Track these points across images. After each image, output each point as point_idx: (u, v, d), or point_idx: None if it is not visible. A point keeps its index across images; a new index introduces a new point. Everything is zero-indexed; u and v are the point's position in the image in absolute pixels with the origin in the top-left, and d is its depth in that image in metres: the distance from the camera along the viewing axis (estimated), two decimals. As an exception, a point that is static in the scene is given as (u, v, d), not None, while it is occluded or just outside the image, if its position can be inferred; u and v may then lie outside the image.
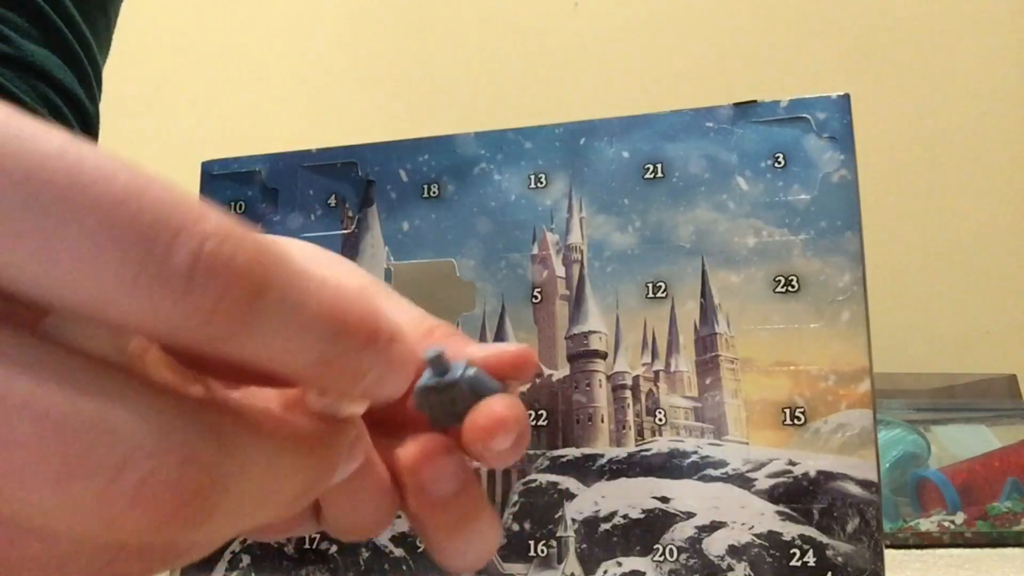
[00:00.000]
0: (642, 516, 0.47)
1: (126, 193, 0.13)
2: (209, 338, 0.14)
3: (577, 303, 0.51)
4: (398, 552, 0.50)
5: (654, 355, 0.50)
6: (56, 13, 0.49)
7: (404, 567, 0.50)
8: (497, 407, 0.23)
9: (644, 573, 0.46)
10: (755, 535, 0.45)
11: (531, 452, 0.50)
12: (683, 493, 0.47)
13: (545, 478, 0.49)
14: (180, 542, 0.15)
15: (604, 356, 0.50)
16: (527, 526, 0.49)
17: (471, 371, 0.23)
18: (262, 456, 0.15)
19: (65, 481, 0.13)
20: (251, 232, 0.15)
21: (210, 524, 0.15)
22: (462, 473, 0.23)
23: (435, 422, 0.24)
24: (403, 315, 0.27)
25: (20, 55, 0.47)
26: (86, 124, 0.51)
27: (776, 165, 0.49)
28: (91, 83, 0.52)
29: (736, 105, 0.50)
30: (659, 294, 0.50)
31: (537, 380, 0.51)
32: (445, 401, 0.23)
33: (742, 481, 0.46)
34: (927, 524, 0.83)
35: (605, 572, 0.47)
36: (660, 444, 0.48)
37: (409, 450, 0.23)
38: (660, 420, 0.49)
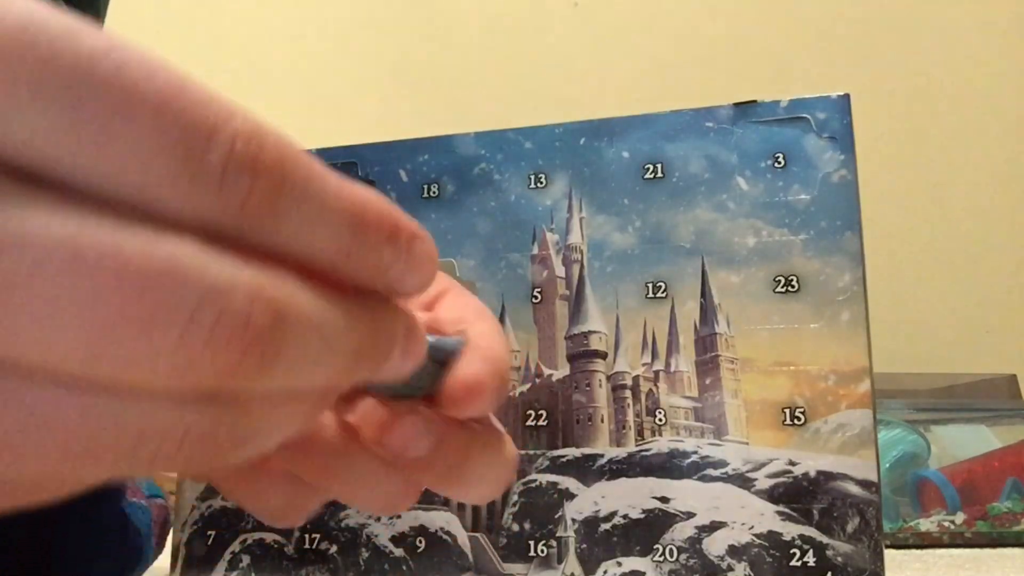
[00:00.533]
0: (642, 516, 0.47)
1: (168, 91, 0.14)
2: (242, 229, 0.15)
3: (577, 303, 0.51)
4: (398, 552, 0.50)
5: (654, 355, 0.50)
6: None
7: (404, 567, 0.50)
8: (468, 371, 0.22)
9: (644, 573, 0.46)
10: (755, 535, 0.45)
11: (531, 452, 0.50)
12: (683, 493, 0.47)
13: (545, 478, 0.49)
14: (247, 399, 0.16)
15: (604, 356, 0.50)
16: (527, 526, 0.49)
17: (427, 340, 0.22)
18: (320, 304, 0.16)
19: (148, 330, 0.14)
20: (276, 131, 0.16)
21: (275, 371, 0.15)
22: (433, 428, 0.22)
23: (396, 399, 0.22)
24: None
25: None
26: None
27: (776, 165, 0.49)
28: None
29: (736, 105, 0.50)
30: (659, 294, 0.50)
31: (537, 380, 0.51)
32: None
33: (742, 481, 0.46)
34: (927, 524, 0.83)
35: (605, 572, 0.47)
36: (660, 444, 0.48)
37: (369, 421, 0.22)
38: (660, 420, 0.49)
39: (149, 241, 0.14)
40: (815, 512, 0.45)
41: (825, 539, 0.44)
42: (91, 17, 0.57)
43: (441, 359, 0.22)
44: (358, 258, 0.17)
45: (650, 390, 0.49)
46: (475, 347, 0.23)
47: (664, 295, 0.50)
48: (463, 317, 0.25)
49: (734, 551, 0.45)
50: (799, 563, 0.44)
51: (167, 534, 0.55)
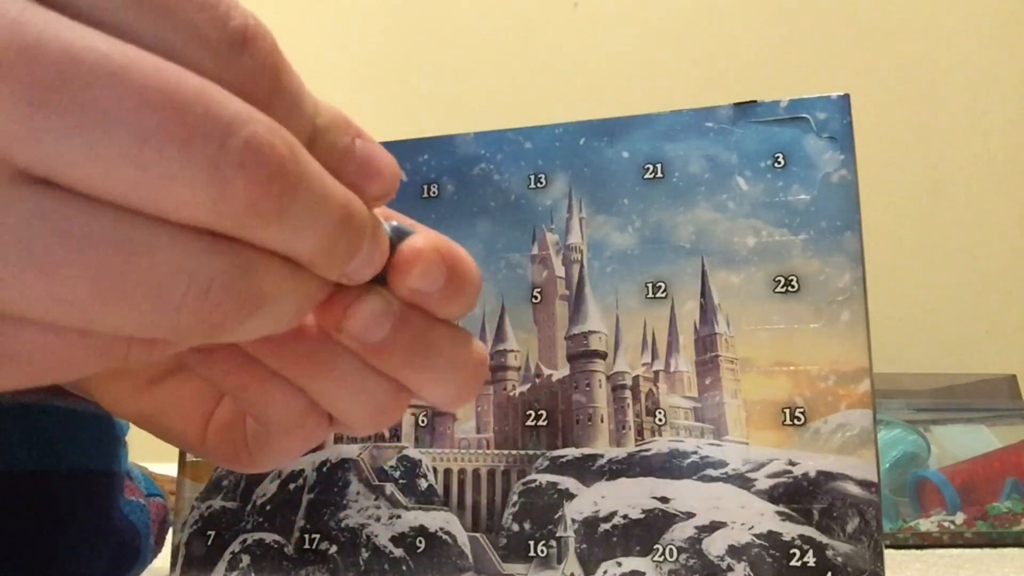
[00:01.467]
0: (642, 516, 0.47)
1: (191, 94, 0.15)
2: (243, 225, 0.16)
3: (577, 303, 0.51)
4: (398, 552, 0.50)
5: (654, 355, 0.50)
6: None
7: (404, 567, 0.50)
8: (415, 242, 0.22)
9: (644, 573, 0.46)
10: (755, 535, 0.45)
11: (531, 452, 0.50)
12: (683, 493, 0.47)
13: (545, 478, 0.49)
14: (265, 261, 0.17)
15: (604, 356, 0.50)
16: (527, 526, 0.49)
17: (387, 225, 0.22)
18: (315, 166, 0.18)
19: (186, 149, 0.15)
20: (284, 131, 0.17)
21: (288, 217, 0.17)
22: (391, 309, 0.22)
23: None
24: None
25: None
26: None
27: (776, 165, 0.49)
28: None
29: (736, 105, 0.50)
30: (659, 294, 0.50)
31: (537, 380, 0.51)
32: None
33: (742, 481, 0.46)
34: (927, 524, 0.83)
35: (605, 572, 0.47)
36: (660, 444, 0.48)
37: (330, 310, 0.22)
38: (660, 420, 0.49)
39: (183, 71, 0.15)
40: (815, 512, 0.45)
41: (825, 539, 0.44)
42: None
43: (394, 243, 0.22)
44: (338, 251, 0.19)
45: (650, 390, 0.49)
46: (424, 230, 0.23)
47: (664, 295, 0.50)
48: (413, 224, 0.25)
49: (734, 551, 0.45)
50: (799, 563, 0.44)
51: (166, 533, 0.55)
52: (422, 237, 0.23)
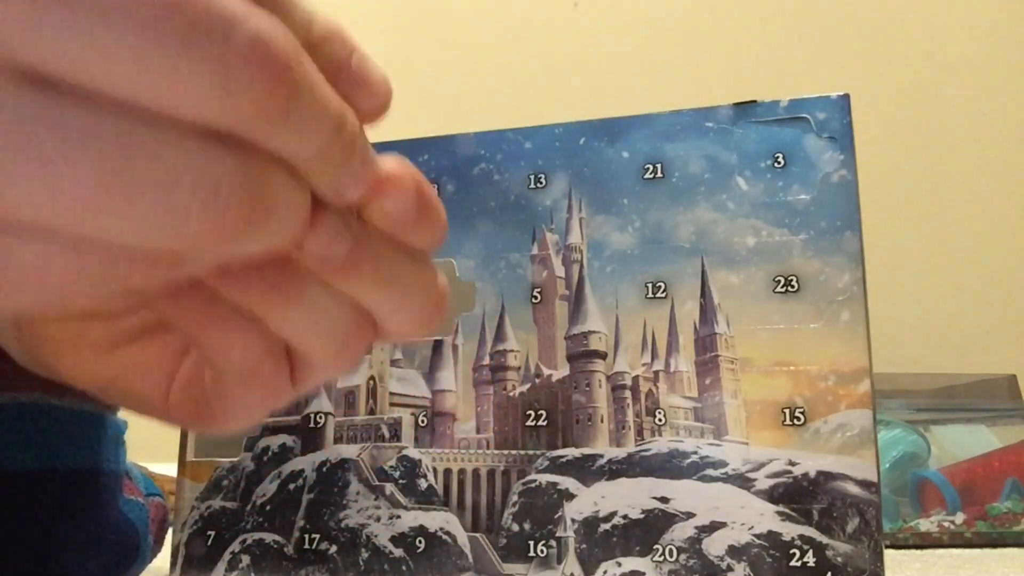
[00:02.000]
0: (642, 516, 0.47)
1: None
2: (250, 123, 0.16)
3: (577, 303, 0.51)
4: (398, 552, 0.50)
5: (654, 355, 0.50)
6: None
7: (404, 567, 0.50)
8: (390, 163, 0.22)
9: (644, 573, 0.46)
10: (755, 535, 0.45)
11: (531, 452, 0.50)
12: (683, 493, 0.47)
13: (545, 478, 0.49)
14: (272, 165, 0.17)
15: (604, 356, 0.50)
16: (527, 526, 0.49)
17: None
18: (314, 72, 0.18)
19: (189, 42, 0.15)
20: (287, 30, 0.17)
21: (291, 119, 0.16)
22: (351, 226, 0.21)
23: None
24: None
25: None
26: None
27: (776, 165, 0.49)
28: None
29: (736, 105, 0.50)
30: (659, 294, 0.50)
31: (537, 380, 0.51)
32: None
33: (742, 481, 0.46)
34: (927, 524, 0.83)
35: (605, 572, 0.47)
36: (660, 444, 0.48)
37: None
38: (660, 420, 0.49)
39: None
40: (815, 512, 0.45)
41: (825, 539, 0.44)
42: None
43: None
44: (333, 154, 0.19)
45: (650, 390, 0.49)
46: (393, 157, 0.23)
47: (664, 295, 0.50)
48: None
49: (734, 551, 0.45)
50: (799, 563, 0.44)
51: (165, 533, 0.55)
52: (396, 161, 0.22)
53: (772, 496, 0.46)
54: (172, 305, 0.23)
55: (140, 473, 0.54)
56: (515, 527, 0.49)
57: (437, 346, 0.53)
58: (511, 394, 0.51)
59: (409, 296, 0.23)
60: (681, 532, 0.46)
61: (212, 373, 0.25)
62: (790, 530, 0.45)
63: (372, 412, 0.53)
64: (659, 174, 0.51)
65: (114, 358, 0.26)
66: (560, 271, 0.52)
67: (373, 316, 0.23)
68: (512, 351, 0.52)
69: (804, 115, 0.49)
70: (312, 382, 0.24)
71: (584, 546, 0.48)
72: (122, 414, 0.50)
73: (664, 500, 0.47)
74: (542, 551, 0.48)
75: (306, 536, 0.52)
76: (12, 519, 0.43)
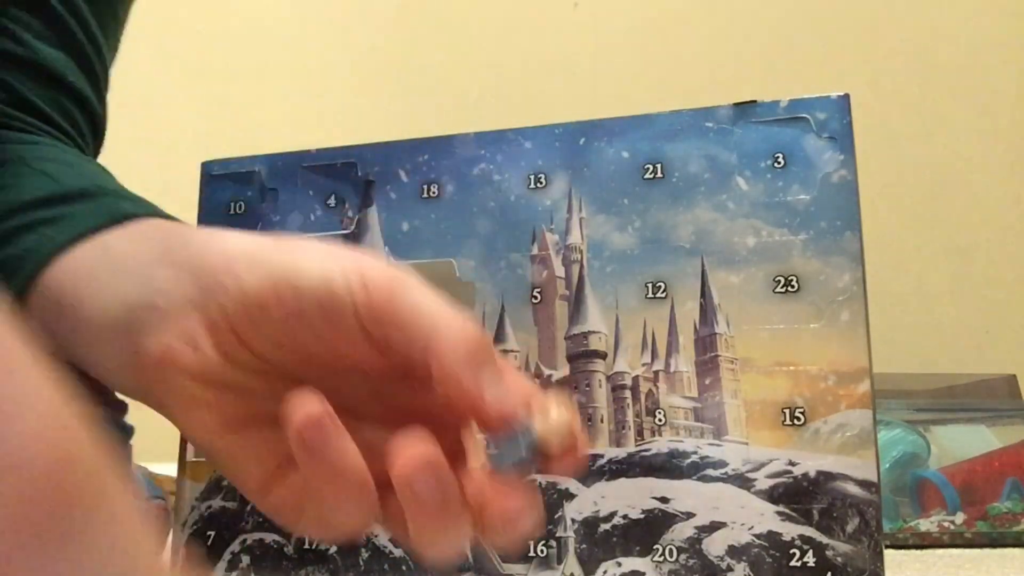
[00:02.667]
0: (642, 516, 0.47)
1: None
2: None
3: (577, 303, 0.51)
4: (398, 552, 0.50)
5: (654, 355, 0.50)
6: (70, 14, 0.50)
7: (404, 567, 0.50)
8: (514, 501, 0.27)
9: (644, 573, 0.46)
10: (755, 535, 0.45)
11: (531, 452, 0.50)
12: (683, 493, 0.47)
13: (545, 478, 0.49)
14: None
15: (604, 356, 0.50)
16: (527, 526, 0.49)
17: (533, 434, 0.26)
18: None
19: None
20: None
21: None
22: (449, 487, 0.26)
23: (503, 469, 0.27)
24: (437, 311, 0.30)
25: (36, 59, 0.48)
26: (95, 128, 0.52)
27: (776, 165, 0.49)
28: (100, 86, 0.53)
29: (736, 105, 0.50)
30: (659, 294, 0.50)
31: (537, 380, 0.51)
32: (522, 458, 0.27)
33: (742, 481, 0.46)
34: (927, 524, 0.83)
35: (605, 572, 0.47)
36: (660, 444, 0.48)
37: (402, 456, 0.26)
38: (660, 420, 0.49)
39: None
40: (815, 512, 0.45)
41: (825, 539, 0.44)
42: (113, 22, 0.58)
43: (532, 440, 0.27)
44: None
45: (650, 390, 0.49)
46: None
47: (664, 295, 0.50)
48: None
49: (734, 551, 0.45)
50: (799, 563, 0.44)
51: (165, 537, 0.55)
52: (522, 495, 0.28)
53: (772, 496, 0.46)
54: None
55: (141, 475, 0.54)
56: (515, 527, 0.49)
57: (437, 346, 0.53)
58: (511, 394, 0.51)
59: (437, 543, 0.28)
60: (681, 532, 0.46)
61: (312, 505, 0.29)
62: (790, 530, 0.45)
63: (372, 412, 0.53)
64: (659, 174, 0.51)
65: (232, 430, 0.29)
66: (560, 271, 0.52)
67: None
68: (512, 351, 0.52)
69: (804, 115, 0.49)
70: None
71: (584, 546, 0.48)
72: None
73: (664, 500, 0.47)
74: (542, 551, 0.48)
75: (306, 536, 0.52)
76: None
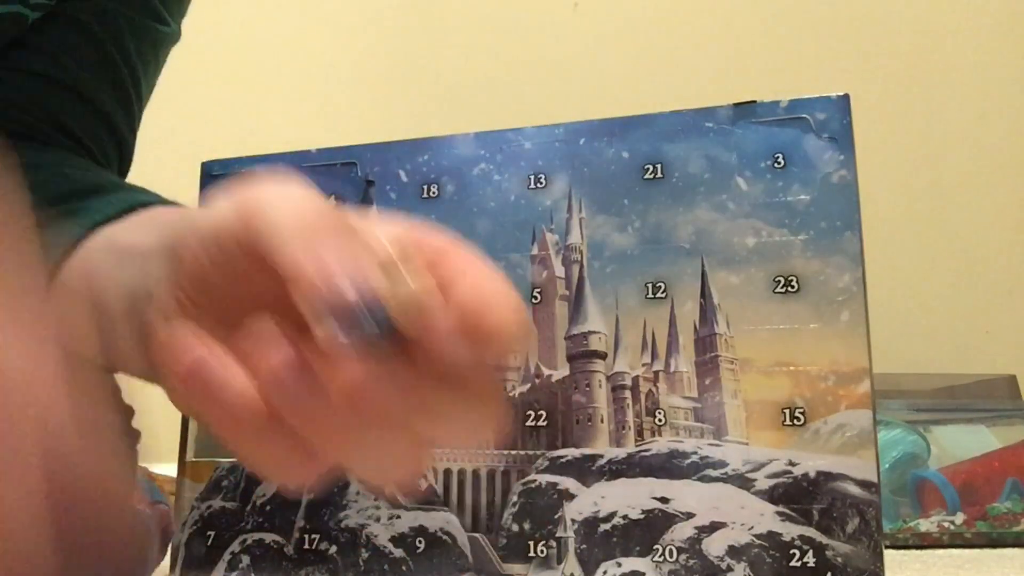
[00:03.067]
0: (642, 516, 0.47)
1: None
2: None
3: (577, 303, 0.51)
4: (398, 552, 0.50)
5: (654, 355, 0.49)
6: (115, 48, 0.52)
7: (404, 567, 0.50)
8: (483, 282, 0.23)
9: (644, 574, 0.46)
10: (755, 535, 0.45)
11: (531, 452, 0.50)
12: (683, 493, 0.47)
13: (545, 478, 0.49)
14: None
15: (604, 356, 0.50)
16: (527, 526, 0.49)
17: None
18: None
19: None
20: None
21: None
22: (399, 373, 0.22)
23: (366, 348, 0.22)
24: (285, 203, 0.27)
25: (74, 84, 0.50)
26: (122, 156, 0.55)
27: (776, 165, 0.49)
28: (133, 117, 0.56)
29: (736, 105, 0.50)
30: (659, 294, 0.50)
31: (537, 380, 0.51)
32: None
33: (742, 481, 0.46)
34: (927, 524, 0.83)
35: (605, 572, 0.47)
36: (660, 444, 0.48)
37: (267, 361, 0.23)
38: (660, 420, 0.49)
39: None
40: (815, 512, 0.45)
41: (825, 539, 0.44)
42: (153, 62, 0.60)
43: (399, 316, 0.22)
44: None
45: (650, 390, 0.49)
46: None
47: (664, 295, 0.50)
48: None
49: (734, 551, 0.45)
50: (799, 563, 0.44)
51: (169, 541, 0.55)
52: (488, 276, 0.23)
53: (772, 496, 0.46)
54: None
55: (146, 480, 0.54)
56: (515, 527, 0.49)
57: (437, 346, 0.53)
58: (511, 394, 0.51)
59: (463, 425, 0.24)
60: (681, 532, 0.46)
61: None
62: (790, 530, 0.45)
63: (372, 412, 0.53)
64: (659, 174, 0.51)
65: None
66: (560, 271, 0.52)
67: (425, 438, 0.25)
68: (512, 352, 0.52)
69: (804, 115, 0.49)
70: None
71: (584, 546, 0.48)
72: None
73: (664, 500, 0.47)
74: (542, 551, 0.48)
75: (306, 536, 0.52)
76: None
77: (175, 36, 0.59)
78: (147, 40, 0.55)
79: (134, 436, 0.50)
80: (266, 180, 0.27)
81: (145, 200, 0.38)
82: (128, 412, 0.49)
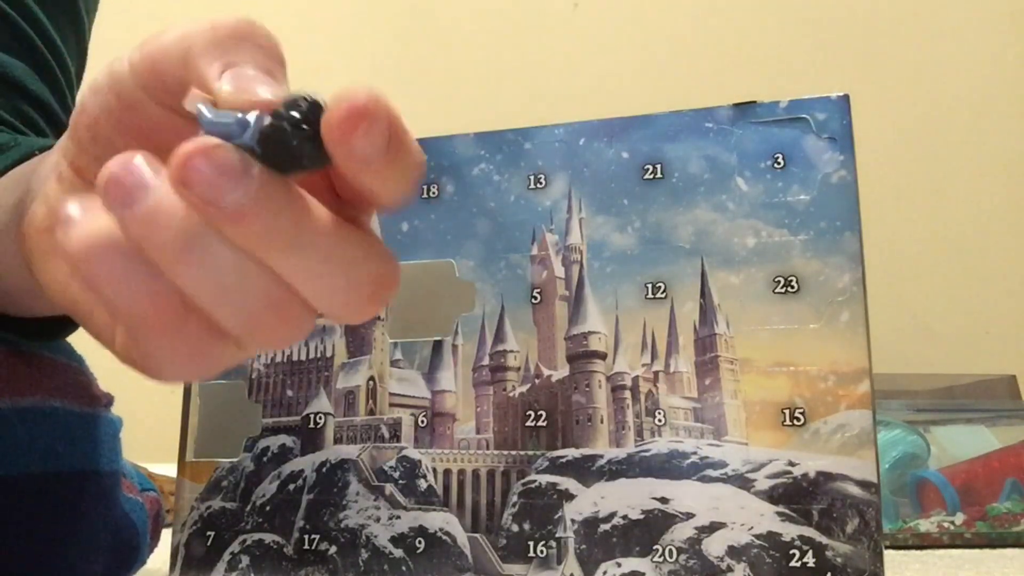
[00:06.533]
0: (641, 517, 0.47)
1: None
2: None
3: (576, 304, 0.51)
4: (397, 553, 0.50)
5: (653, 356, 0.49)
6: (26, 21, 0.48)
7: (403, 568, 0.50)
8: (357, 95, 0.20)
9: (644, 574, 0.46)
10: (755, 536, 0.45)
11: (531, 453, 0.50)
12: (682, 494, 0.47)
13: (544, 479, 0.49)
14: None
15: (603, 357, 0.50)
16: (527, 527, 0.49)
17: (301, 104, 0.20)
18: None
19: None
20: None
21: None
22: (246, 168, 0.20)
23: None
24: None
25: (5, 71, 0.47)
26: (60, 134, 0.51)
27: (776, 166, 0.49)
28: (64, 92, 0.51)
29: (736, 106, 0.50)
30: (658, 295, 0.50)
31: (537, 381, 0.51)
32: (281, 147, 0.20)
33: (742, 482, 0.46)
34: (927, 525, 0.83)
35: (604, 573, 0.47)
36: (659, 445, 0.48)
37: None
38: (659, 421, 0.49)
39: None
40: (815, 513, 0.45)
41: (825, 540, 0.44)
42: (71, 24, 0.56)
43: (312, 108, 0.20)
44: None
45: (649, 391, 0.49)
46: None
47: (664, 296, 0.50)
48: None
49: (734, 552, 0.45)
50: (799, 564, 0.44)
51: (161, 527, 0.55)
52: (367, 93, 0.20)
53: (772, 496, 0.46)
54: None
55: (132, 469, 0.54)
56: (515, 527, 0.49)
57: (437, 346, 0.53)
58: (511, 394, 0.51)
59: (331, 270, 0.21)
60: (681, 532, 0.46)
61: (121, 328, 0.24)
62: (790, 530, 0.45)
63: (372, 413, 0.53)
64: (659, 174, 0.51)
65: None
66: (560, 271, 0.52)
67: (298, 292, 0.22)
68: (512, 351, 0.52)
69: (804, 115, 0.49)
70: (241, 351, 0.23)
71: (584, 546, 0.48)
72: (117, 411, 0.50)
73: (664, 500, 0.47)
74: (542, 551, 0.48)
75: (306, 536, 0.52)
76: (15, 523, 0.43)
77: None
78: (59, 6, 0.51)
79: (115, 424, 0.49)
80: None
81: (48, 144, 0.36)
82: (106, 401, 0.49)
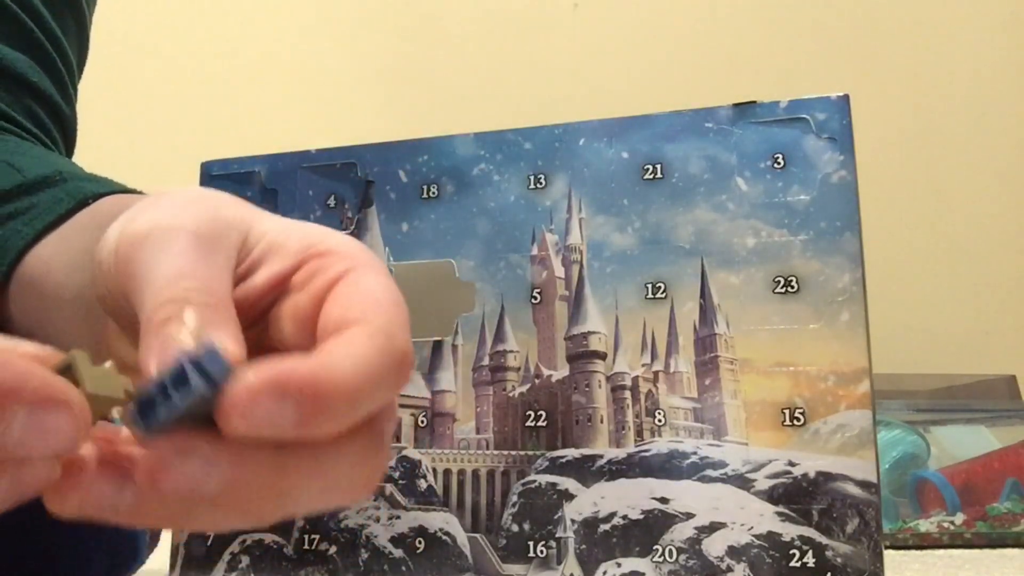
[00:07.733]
0: (641, 517, 0.47)
1: None
2: None
3: (576, 304, 0.51)
4: (397, 553, 0.50)
5: (653, 356, 0.50)
6: (26, 14, 0.48)
7: (403, 568, 0.50)
8: (247, 378, 0.19)
9: (644, 574, 0.46)
10: (754, 536, 0.45)
11: (531, 453, 0.50)
12: (682, 494, 0.47)
13: (544, 479, 0.49)
14: None
15: (603, 357, 0.50)
16: (526, 527, 0.49)
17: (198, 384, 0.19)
18: None
19: None
20: None
21: None
22: (220, 459, 0.19)
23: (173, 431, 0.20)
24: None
25: (11, 68, 0.46)
26: (64, 129, 0.50)
27: (775, 166, 0.49)
28: (66, 85, 0.51)
29: (735, 106, 0.50)
30: (658, 295, 0.50)
31: (536, 381, 0.51)
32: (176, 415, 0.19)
33: (741, 482, 0.46)
34: (926, 525, 0.83)
35: (604, 573, 0.47)
36: (659, 445, 0.48)
37: (147, 458, 0.20)
38: (659, 421, 0.49)
39: None
40: (814, 513, 0.45)
41: (824, 540, 0.44)
42: (72, 17, 0.55)
43: (216, 379, 0.19)
44: None
45: (649, 391, 0.49)
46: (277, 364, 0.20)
47: (663, 296, 0.50)
48: (345, 318, 0.23)
49: (733, 552, 0.45)
50: (798, 564, 0.44)
51: (160, 529, 0.55)
52: (253, 372, 0.19)
53: (772, 497, 0.46)
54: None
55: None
56: (515, 528, 0.49)
57: (437, 347, 0.53)
58: (511, 395, 0.51)
59: (317, 497, 0.21)
60: (681, 533, 0.46)
61: None
62: (790, 531, 0.45)
63: (372, 412, 0.53)
64: (659, 174, 0.51)
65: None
66: (560, 272, 0.52)
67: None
68: (512, 352, 0.52)
69: (804, 116, 0.49)
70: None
71: (584, 546, 0.48)
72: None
73: (664, 501, 0.47)
74: (542, 552, 0.48)
75: (305, 536, 0.52)
76: (15, 525, 0.43)
77: None
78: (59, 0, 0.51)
79: None
80: (164, 203, 0.25)
81: (97, 190, 0.36)
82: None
